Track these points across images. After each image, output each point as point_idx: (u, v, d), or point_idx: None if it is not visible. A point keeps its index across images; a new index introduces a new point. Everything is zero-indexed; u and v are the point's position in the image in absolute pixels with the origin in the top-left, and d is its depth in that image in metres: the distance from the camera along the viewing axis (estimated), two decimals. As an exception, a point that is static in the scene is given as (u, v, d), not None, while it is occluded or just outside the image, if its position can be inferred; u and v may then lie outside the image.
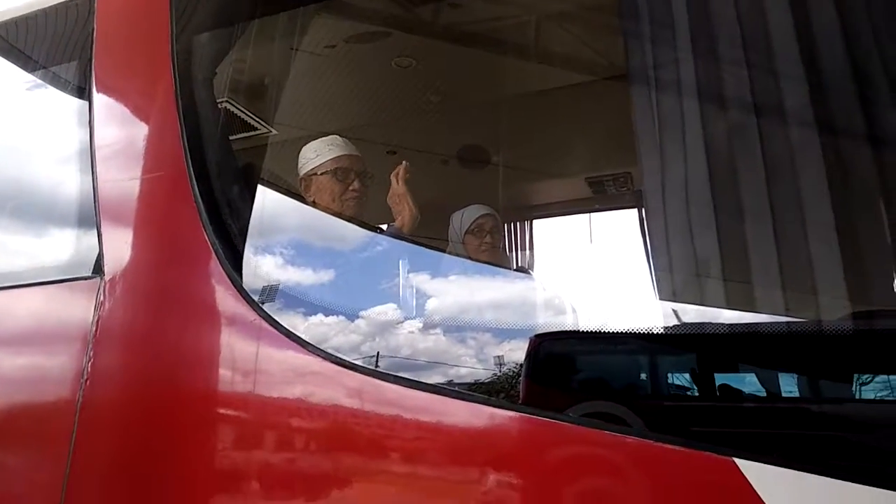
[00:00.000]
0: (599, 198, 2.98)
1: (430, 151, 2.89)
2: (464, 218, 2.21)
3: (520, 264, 3.15)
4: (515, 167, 2.89)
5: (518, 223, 3.16)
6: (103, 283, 1.42)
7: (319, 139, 1.96)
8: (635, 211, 2.92)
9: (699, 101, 1.22)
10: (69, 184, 1.65)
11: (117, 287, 1.41)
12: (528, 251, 3.10)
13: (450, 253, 2.09)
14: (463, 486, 1.08)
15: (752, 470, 0.89)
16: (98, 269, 1.44)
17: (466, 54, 2.43)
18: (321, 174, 1.90)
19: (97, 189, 1.53)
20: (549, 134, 2.72)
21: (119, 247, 1.46)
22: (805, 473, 0.88)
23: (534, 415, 1.07)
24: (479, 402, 1.11)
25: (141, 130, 1.58)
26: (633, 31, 1.34)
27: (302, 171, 1.92)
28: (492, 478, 1.05)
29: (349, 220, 1.84)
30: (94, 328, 1.39)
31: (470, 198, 2.52)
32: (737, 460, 0.90)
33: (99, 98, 1.67)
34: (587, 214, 3.04)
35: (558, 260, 2.71)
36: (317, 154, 1.92)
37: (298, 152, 1.99)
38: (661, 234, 1.21)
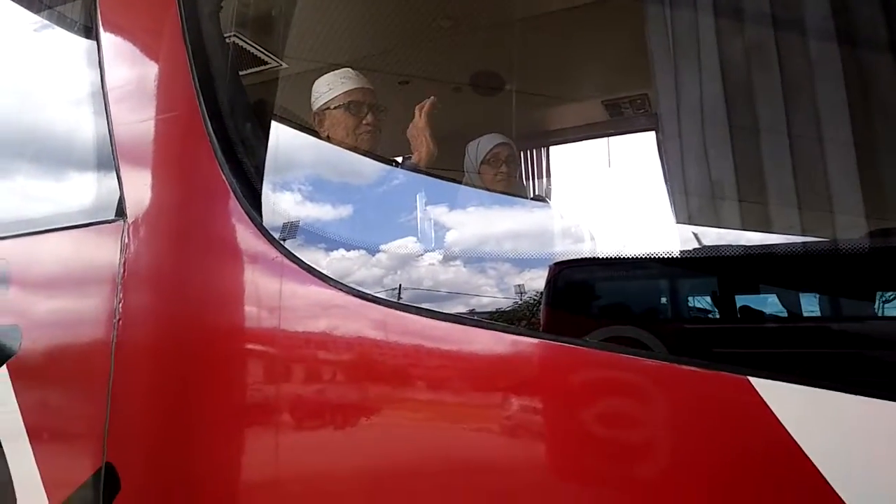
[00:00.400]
0: (616, 121, 2.92)
1: (443, 80, 2.83)
2: (479, 147, 2.18)
3: (537, 192, 3.13)
4: (530, 92, 2.83)
5: (534, 150, 3.12)
6: (127, 226, 1.44)
7: (331, 72, 1.93)
8: (653, 133, 2.87)
9: (715, 16, 1.19)
10: (86, 127, 1.65)
11: (140, 229, 1.44)
12: (544, 178, 3.07)
13: (466, 183, 2.08)
14: (486, 411, 1.12)
15: (765, 387, 0.91)
16: (121, 211, 1.47)
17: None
18: (334, 108, 1.88)
19: (113, 132, 1.54)
20: (563, 56, 2.65)
21: (139, 189, 1.47)
22: (814, 388, 0.90)
23: (553, 340, 1.09)
24: (500, 330, 1.13)
25: (151, 70, 1.57)
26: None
27: (315, 106, 1.90)
28: (514, 403, 1.08)
29: (364, 153, 1.83)
30: (121, 270, 1.42)
31: (484, 126, 2.48)
32: (751, 379, 0.92)
33: (106, 38, 1.65)
34: (604, 139, 2.99)
35: (576, 186, 2.69)
36: (329, 88, 1.90)
37: (311, 86, 1.96)
38: (676, 157, 1.20)
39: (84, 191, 1.63)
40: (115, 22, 1.67)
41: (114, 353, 1.39)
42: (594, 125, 3.02)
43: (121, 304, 1.40)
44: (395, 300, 1.25)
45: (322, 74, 1.96)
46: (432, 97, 1.86)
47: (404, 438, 1.16)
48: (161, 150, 1.48)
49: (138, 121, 1.52)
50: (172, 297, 1.40)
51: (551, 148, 3.08)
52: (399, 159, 2.31)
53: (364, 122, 1.86)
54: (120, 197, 1.48)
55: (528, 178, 3.14)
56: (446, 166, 2.22)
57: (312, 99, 1.92)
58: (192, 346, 1.36)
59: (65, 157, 1.81)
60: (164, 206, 1.45)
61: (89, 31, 1.73)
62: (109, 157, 1.52)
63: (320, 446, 1.24)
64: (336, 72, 1.93)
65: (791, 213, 1.11)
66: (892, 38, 1.04)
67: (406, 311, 1.19)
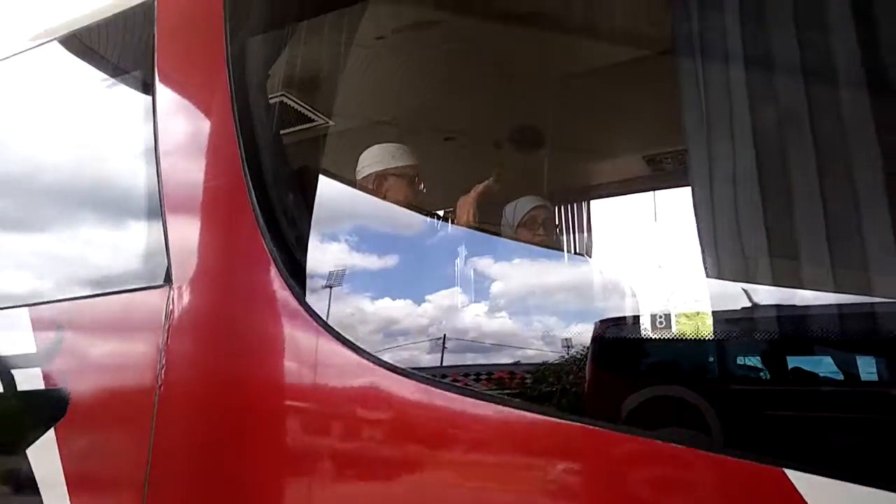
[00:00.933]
0: (658, 176, 2.89)
1: (482, 136, 2.86)
2: (516, 210, 2.18)
3: (577, 248, 3.12)
4: (569, 148, 2.84)
5: (573, 205, 3.12)
6: (172, 293, 1.48)
7: (389, 144, 2.01)
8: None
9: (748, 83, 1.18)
10: (139, 196, 1.72)
11: (184, 295, 1.48)
12: (585, 234, 3.06)
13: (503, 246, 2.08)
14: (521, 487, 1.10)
15: (801, 480, 0.88)
16: (167, 278, 1.51)
17: (514, 35, 2.39)
18: (398, 175, 1.96)
19: (163, 201, 1.59)
20: (602, 112, 2.66)
21: (185, 257, 1.52)
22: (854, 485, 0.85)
23: (587, 424, 1.07)
24: (535, 413, 1.12)
25: (202, 140, 1.63)
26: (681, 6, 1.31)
27: (373, 168, 1.97)
28: (550, 485, 1.06)
29: (407, 224, 1.89)
30: (165, 336, 1.45)
31: (522, 181, 2.49)
32: (786, 471, 0.88)
33: (162, 106, 1.72)
34: (646, 193, 2.96)
35: (616, 243, 2.67)
36: (394, 155, 1.98)
37: (355, 149, 2.02)
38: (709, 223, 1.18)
39: (134, 256, 1.69)
40: (169, 90, 1.74)
41: (155, 419, 1.41)
42: (635, 180, 2.99)
43: (163, 371, 1.43)
44: (427, 375, 1.25)
45: (363, 134, 2.03)
46: (492, 179, 1.93)
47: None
48: (207, 219, 1.53)
49: (187, 189, 1.57)
50: (214, 365, 1.43)
51: (592, 203, 3.07)
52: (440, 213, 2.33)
53: (418, 196, 1.96)
54: (167, 264, 1.52)
55: (567, 234, 3.14)
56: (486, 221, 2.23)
57: (367, 161, 1.99)
58: (231, 416, 1.38)
59: (118, 222, 1.88)
60: (208, 273, 1.49)
61: (146, 99, 1.81)
62: (159, 224, 1.58)
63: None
64: (393, 144, 2.02)
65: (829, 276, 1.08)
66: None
67: (438, 388, 1.19)
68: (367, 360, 1.24)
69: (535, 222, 2.17)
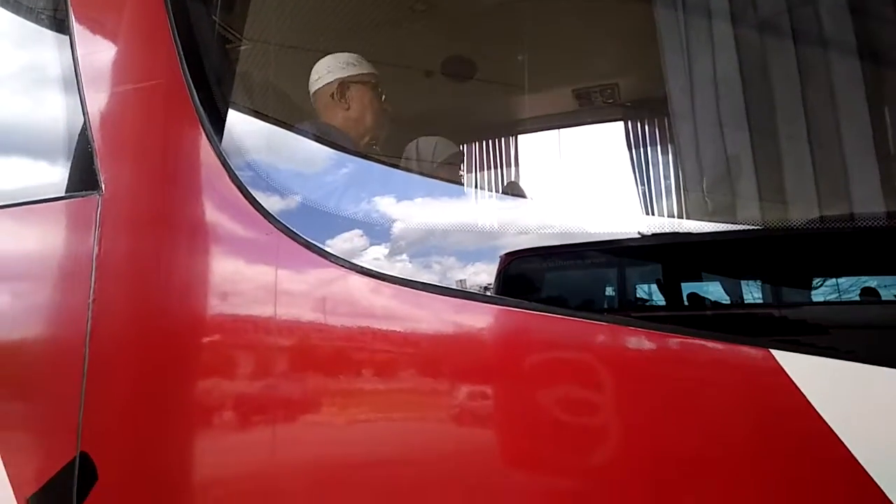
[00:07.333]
0: (586, 110, 2.92)
1: (414, 65, 2.77)
2: (437, 150, 2.06)
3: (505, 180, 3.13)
4: (501, 80, 2.80)
5: (503, 139, 3.11)
6: (101, 200, 1.33)
7: (343, 53, 1.95)
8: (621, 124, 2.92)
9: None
10: (57, 103, 1.52)
11: (118, 204, 1.33)
12: (514, 167, 3.06)
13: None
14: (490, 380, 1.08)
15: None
16: (94, 184, 1.35)
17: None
18: (362, 83, 1.91)
19: (86, 108, 1.42)
20: (536, 44, 2.63)
21: (115, 161, 1.37)
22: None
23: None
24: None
25: (128, 38, 1.46)
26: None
27: (335, 75, 1.90)
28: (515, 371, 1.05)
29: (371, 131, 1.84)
30: (96, 248, 1.31)
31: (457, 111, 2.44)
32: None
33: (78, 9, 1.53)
34: (575, 128, 2.97)
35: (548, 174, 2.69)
36: (355, 63, 1.92)
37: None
38: (690, 134, 1.19)
39: (58, 166, 1.50)
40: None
41: (89, 338, 1.28)
42: (564, 114, 3.00)
43: (95, 286, 1.29)
44: (400, 276, 1.18)
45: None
46: None
47: (416, 425, 1.12)
48: (142, 121, 1.38)
49: (113, 92, 1.41)
50: (154, 280, 1.30)
51: (521, 136, 3.07)
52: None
53: (384, 105, 1.93)
54: (94, 169, 1.36)
55: (497, 167, 3.14)
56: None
57: (327, 68, 1.91)
58: (176, 330, 1.27)
59: (37, 134, 1.65)
60: (145, 180, 1.35)
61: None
62: (84, 129, 1.41)
63: (312, 435, 1.18)
64: (350, 53, 1.96)
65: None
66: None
67: (407, 286, 1.14)
68: (337, 264, 1.17)
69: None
